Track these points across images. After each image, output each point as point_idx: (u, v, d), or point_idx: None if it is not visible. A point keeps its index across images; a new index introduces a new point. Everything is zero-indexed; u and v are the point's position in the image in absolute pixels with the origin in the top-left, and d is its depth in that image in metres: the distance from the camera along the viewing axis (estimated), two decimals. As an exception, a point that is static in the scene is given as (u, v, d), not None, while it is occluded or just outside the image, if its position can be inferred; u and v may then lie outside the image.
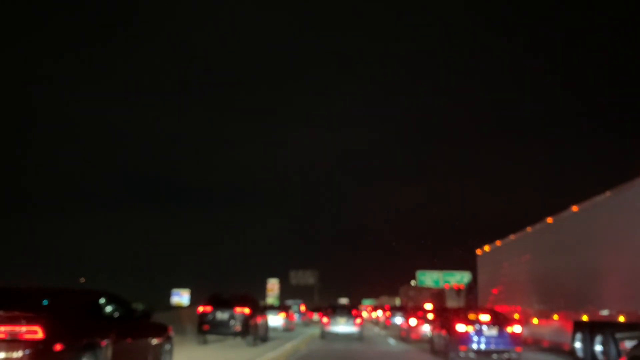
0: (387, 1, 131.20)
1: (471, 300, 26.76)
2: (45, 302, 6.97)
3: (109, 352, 7.11)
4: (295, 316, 33.62)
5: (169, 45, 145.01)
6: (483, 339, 12.98)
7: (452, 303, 39.19)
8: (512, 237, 19.74)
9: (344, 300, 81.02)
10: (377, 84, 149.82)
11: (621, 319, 11.18)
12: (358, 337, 21.63)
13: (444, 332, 14.21)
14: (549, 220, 15.86)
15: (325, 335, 21.97)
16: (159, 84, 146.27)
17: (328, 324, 21.95)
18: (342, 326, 21.72)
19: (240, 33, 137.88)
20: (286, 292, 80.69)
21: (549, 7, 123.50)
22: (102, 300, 7.80)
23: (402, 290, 71.07)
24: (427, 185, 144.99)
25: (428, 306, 41.83)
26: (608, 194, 12.32)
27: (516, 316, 17.06)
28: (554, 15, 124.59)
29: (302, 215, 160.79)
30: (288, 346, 16.79)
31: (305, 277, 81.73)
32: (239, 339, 17.33)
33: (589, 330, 12.57)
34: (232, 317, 16.25)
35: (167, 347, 9.36)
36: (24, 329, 5.95)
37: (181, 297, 75.25)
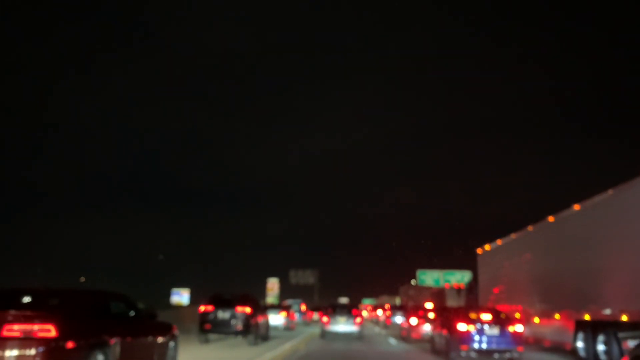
0: (383, 6, 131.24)
1: (472, 299, 26.75)
2: (57, 302, 7.20)
3: (118, 350, 7.33)
4: (296, 315, 33.74)
5: (170, 48, 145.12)
6: (484, 339, 12.87)
7: (452, 302, 39.15)
8: (513, 236, 19.68)
9: (344, 300, 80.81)
10: (377, 85, 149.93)
11: (624, 318, 11.13)
12: (358, 337, 21.67)
13: (444, 332, 14.10)
14: (551, 219, 15.81)
15: (325, 335, 21.99)
16: (160, 85, 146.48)
17: (328, 323, 21.97)
18: (342, 325, 21.74)
19: (240, 35, 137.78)
20: (286, 291, 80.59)
21: (543, 11, 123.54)
22: (110, 300, 8.07)
23: (402, 290, 71.07)
24: (427, 185, 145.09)
25: (429, 305, 41.84)
26: (610, 192, 12.26)
27: (517, 315, 17.03)
28: (549, 18, 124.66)
29: (302, 214, 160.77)
30: (287, 346, 16.69)
31: (305, 277, 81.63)
32: (240, 338, 17.50)
33: (591, 329, 12.51)
34: (233, 316, 16.38)
35: (172, 345, 9.57)
36: (37, 327, 6.13)
37: (181, 297, 75.11)
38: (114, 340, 7.26)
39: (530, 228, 17.72)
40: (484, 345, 12.89)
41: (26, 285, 8.18)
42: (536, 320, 16.20)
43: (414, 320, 21.95)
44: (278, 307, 30.83)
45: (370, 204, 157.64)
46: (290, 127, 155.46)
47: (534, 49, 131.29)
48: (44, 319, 6.25)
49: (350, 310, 22.64)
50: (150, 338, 8.74)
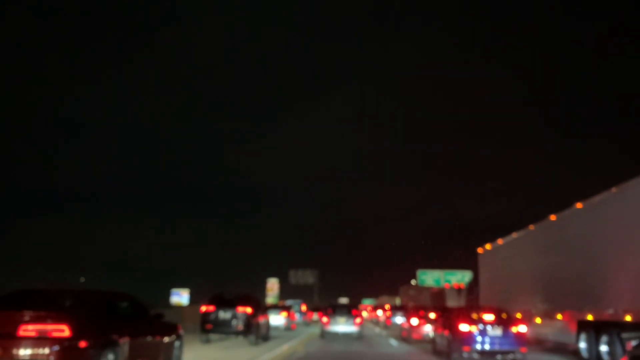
0: (385, 6, 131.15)
1: (472, 299, 26.66)
2: (69, 303, 7.42)
3: (127, 349, 7.55)
4: (297, 316, 34.02)
5: (170, 48, 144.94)
6: (487, 339, 12.61)
7: (452, 303, 39.11)
8: (514, 235, 19.54)
9: (344, 300, 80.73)
10: (377, 85, 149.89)
11: (627, 318, 10.99)
12: (358, 337, 21.69)
13: (446, 332, 13.84)
14: (553, 217, 15.66)
15: (324, 335, 22.01)
16: (160, 85, 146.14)
17: (328, 323, 22.00)
18: (342, 326, 21.78)
19: (240, 35, 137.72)
20: (285, 291, 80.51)
21: (545, 10, 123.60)
22: (119, 301, 8.30)
23: (402, 290, 71.10)
24: (427, 185, 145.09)
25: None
26: (614, 190, 12.09)
27: (518, 315, 16.93)
28: (551, 17, 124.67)
29: (301, 214, 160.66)
30: (285, 348, 16.61)
31: (305, 277, 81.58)
32: (241, 338, 17.56)
33: (594, 330, 12.40)
34: (234, 316, 16.51)
35: (177, 344, 9.82)
36: (52, 327, 6.40)
37: (181, 297, 74.97)
38: (123, 340, 7.48)
39: (531, 227, 17.59)
40: (487, 346, 12.62)
41: (40, 287, 8.44)
42: (538, 320, 16.09)
43: (414, 321, 21.81)
44: (279, 307, 31.07)
45: (370, 203, 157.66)
46: (290, 127, 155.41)
47: (535, 49, 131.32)
48: (58, 319, 6.49)
49: (350, 311, 22.69)
50: (157, 338, 8.96)
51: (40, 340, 6.29)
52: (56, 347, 6.29)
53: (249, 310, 16.67)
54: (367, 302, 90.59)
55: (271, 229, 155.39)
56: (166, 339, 9.28)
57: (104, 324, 7.36)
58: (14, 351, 6.23)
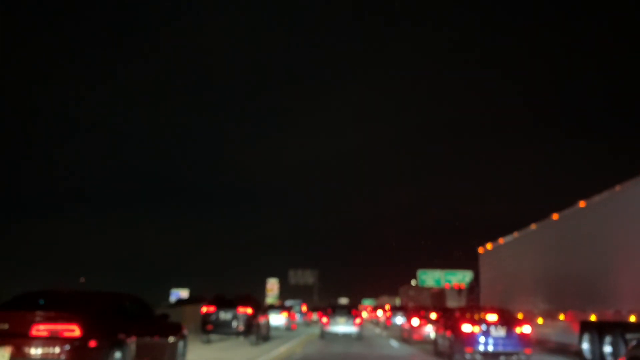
0: (384, 6, 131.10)
1: (473, 299, 26.59)
2: (79, 303, 7.60)
3: (133, 348, 7.75)
4: (297, 316, 34.28)
5: (170, 49, 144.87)
6: (490, 340, 12.32)
7: (452, 303, 39.12)
8: (515, 234, 19.45)
9: (343, 300, 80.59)
10: (377, 85, 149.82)
11: (632, 319, 10.90)
12: (357, 337, 21.64)
13: (448, 333, 13.64)
14: (555, 216, 15.55)
15: (324, 335, 21.99)
16: (159, 85, 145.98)
17: (327, 323, 22.00)
18: (342, 326, 21.77)
19: (240, 35, 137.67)
20: (285, 291, 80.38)
21: (544, 10, 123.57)
22: (126, 302, 8.49)
23: (402, 290, 71.06)
24: (427, 185, 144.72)
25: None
26: (618, 188, 11.97)
27: (520, 316, 16.83)
28: (550, 17, 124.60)
29: (301, 214, 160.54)
30: (285, 348, 16.53)
31: (305, 277, 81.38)
32: (241, 339, 17.61)
33: (598, 330, 12.30)
34: (235, 317, 16.56)
35: (181, 344, 9.98)
36: (63, 327, 6.62)
37: (180, 297, 74.86)
38: (130, 340, 7.69)
39: (533, 226, 17.48)
40: (490, 348, 12.32)
41: (51, 288, 8.64)
42: (539, 320, 15.97)
43: (415, 321, 21.61)
44: (280, 307, 31.31)
45: (370, 203, 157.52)
46: (290, 127, 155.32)
47: (535, 48, 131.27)
48: (69, 320, 6.72)
49: (349, 311, 22.72)
50: (162, 337, 9.17)
51: (52, 339, 6.51)
52: (67, 347, 6.50)
53: (249, 310, 16.71)
54: (367, 303, 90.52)
55: (271, 228, 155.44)
56: (171, 339, 9.46)
57: (113, 324, 7.56)
58: (27, 350, 6.44)
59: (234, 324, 16.48)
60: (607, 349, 11.89)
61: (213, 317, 16.61)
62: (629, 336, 11.14)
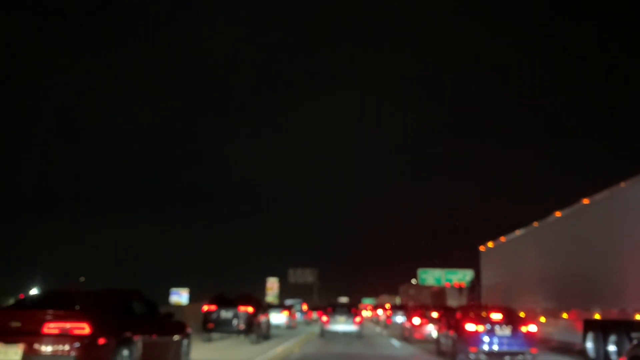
0: (384, 6, 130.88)
1: (474, 298, 26.49)
2: (88, 302, 7.85)
3: (140, 346, 7.94)
4: (297, 315, 34.70)
5: (169, 50, 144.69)
6: (495, 340, 11.91)
7: (453, 302, 39.02)
8: (517, 232, 19.31)
9: (344, 299, 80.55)
10: (378, 85, 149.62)
11: (637, 317, 10.77)
12: (357, 336, 21.70)
13: (451, 332, 13.29)
14: (558, 214, 15.40)
15: (324, 334, 22.04)
16: (159, 86, 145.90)
17: (327, 322, 22.12)
18: (342, 325, 21.87)
19: (241, 35, 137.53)
20: (284, 290, 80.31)
21: (543, 10, 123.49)
22: (133, 301, 8.71)
23: (402, 289, 70.96)
24: (428, 184, 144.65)
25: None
26: (622, 185, 11.83)
27: (522, 315, 16.70)
28: (549, 17, 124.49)
29: (301, 213, 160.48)
30: (285, 347, 16.48)
31: (305, 276, 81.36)
32: (242, 337, 17.76)
33: (602, 329, 12.15)
34: (235, 315, 16.71)
35: (185, 342, 10.21)
36: (74, 325, 6.84)
37: (180, 297, 74.71)
38: (137, 337, 7.87)
39: (536, 224, 17.33)
40: (495, 347, 11.91)
41: (61, 287, 9.13)
42: (542, 319, 15.83)
43: (416, 320, 21.25)
44: (281, 306, 31.67)
45: (370, 202, 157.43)
46: (290, 127, 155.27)
47: (535, 48, 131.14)
48: (79, 318, 6.94)
49: (349, 310, 22.94)
50: (167, 336, 9.39)
51: (63, 337, 6.72)
52: (77, 344, 6.69)
53: (250, 309, 16.87)
54: (367, 302, 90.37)
55: (270, 227, 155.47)
56: (176, 337, 9.68)
57: (120, 322, 7.75)
58: (39, 347, 6.65)
59: (235, 322, 16.63)
60: (612, 348, 11.75)
61: (214, 316, 16.75)
62: (634, 335, 11.03)
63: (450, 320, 13.96)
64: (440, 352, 14.68)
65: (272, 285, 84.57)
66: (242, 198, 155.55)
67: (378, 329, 32.81)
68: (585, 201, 13.58)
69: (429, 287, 57.45)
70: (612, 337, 11.78)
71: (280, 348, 16.11)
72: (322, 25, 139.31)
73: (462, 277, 53.04)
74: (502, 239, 21.03)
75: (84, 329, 6.84)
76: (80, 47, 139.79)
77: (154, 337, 8.65)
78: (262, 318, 18.11)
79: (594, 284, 12.97)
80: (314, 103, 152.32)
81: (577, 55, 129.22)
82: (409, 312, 26.18)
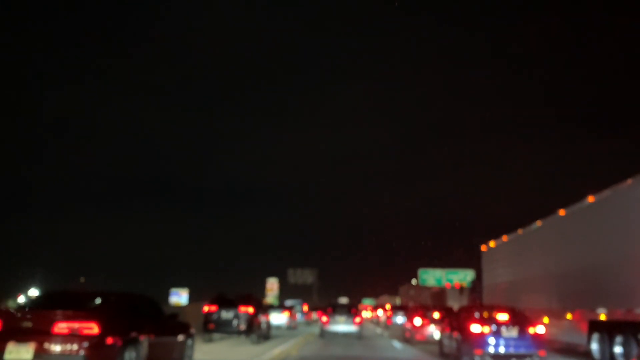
0: (382, 8, 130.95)
1: (475, 298, 26.31)
2: (96, 303, 8.10)
3: (146, 346, 8.16)
4: (298, 315, 34.94)
5: (168, 46, 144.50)
6: (501, 341, 11.47)
7: (453, 302, 38.88)
8: (519, 231, 19.09)
9: (343, 300, 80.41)
10: (378, 85, 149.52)
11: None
12: (357, 336, 21.67)
13: (455, 334, 12.92)
14: (561, 212, 15.19)
15: (324, 334, 22.06)
16: (160, 86, 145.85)
17: (327, 322, 22.17)
18: (342, 325, 21.90)
19: (241, 37, 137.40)
20: (284, 291, 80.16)
21: (542, 11, 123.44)
22: (139, 302, 9.01)
23: (403, 290, 70.85)
24: (428, 184, 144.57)
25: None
26: (629, 182, 11.61)
27: (520, 315, 16.46)
28: (548, 18, 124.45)
29: (301, 213, 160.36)
30: (282, 348, 16.35)
31: (304, 276, 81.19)
32: (242, 337, 17.81)
33: (608, 330, 11.95)
34: (236, 316, 16.81)
35: (189, 343, 10.41)
36: (83, 325, 7.07)
37: (180, 297, 74.55)
38: (143, 337, 8.09)
39: (539, 223, 17.11)
40: (501, 349, 11.45)
41: (70, 288, 9.08)
42: (545, 320, 15.63)
43: (418, 321, 20.96)
44: (281, 307, 32.07)
45: (370, 202, 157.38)
46: (290, 128, 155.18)
47: (535, 47, 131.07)
48: (88, 318, 7.19)
49: (349, 310, 22.98)
50: (172, 336, 9.63)
51: (72, 337, 6.94)
52: (86, 344, 6.92)
53: (250, 310, 16.99)
54: (367, 302, 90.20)
55: (270, 227, 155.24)
56: (180, 338, 9.89)
57: (127, 322, 7.96)
58: (49, 347, 6.88)
59: (235, 323, 16.73)
60: (618, 349, 11.52)
61: (215, 316, 16.86)
62: (641, 335, 10.83)
63: (454, 321, 13.60)
64: (443, 355, 14.30)
65: (272, 285, 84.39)
66: (242, 198, 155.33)
67: (378, 330, 32.54)
68: (591, 199, 13.36)
69: (429, 288, 57.35)
70: (619, 339, 11.55)
71: (280, 348, 16.05)
72: (323, 25, 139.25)
73: (463, 277, 52.87)
74: (504, 238, 20.82)
75: (93, 329, 7.06)
76: (83, 47, 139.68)
77: (160, 337, 8.86)
78: (262, 318, 18.23)
79: (599, 283, 12.76)
80: (315, 103, 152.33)
81: (576, 54, 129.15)
82: (409, 312, 25.89)
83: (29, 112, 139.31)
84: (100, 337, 7.09)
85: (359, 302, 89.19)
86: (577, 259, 14.15)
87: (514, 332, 11.66)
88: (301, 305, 40.30)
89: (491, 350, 11.54)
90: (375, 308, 58.28)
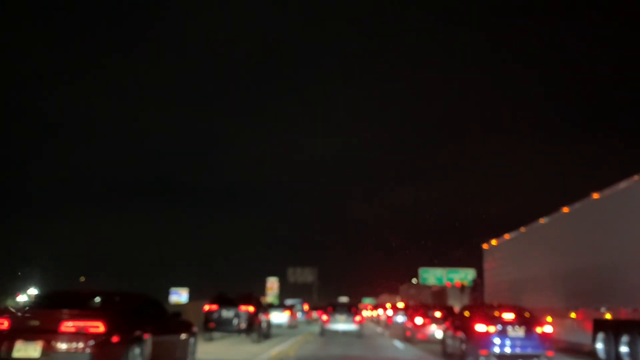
0: (381, 7, 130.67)
1: (477, 298, 26.22)
2: (102, 303, 8.42)
3: (150, 345, 8.30)
4: (299, 314, 35.87)
5: (167, 46, 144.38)
6: (507, 341, 11.11)
7: (454, 301, 38.77)
8: (522, 229, 18.94)
9: (344, 299, 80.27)
10: (378, 84, 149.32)
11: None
12: (357, 335, 21.93)
13: (459, 333, 12.62)
14: (565, 209, 15.05)
15: (324, 333, 22.40)
16: (160, 86, 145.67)
17: (327, 321, 22.54)
18: (342, 324, 22.25)
19: (239, 36, 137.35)
20: (284, 290, 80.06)
21: (541, 10, 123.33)
22: (143, 302, 9.20)
23: (403, 289, 70.63)
24: (429, 183, 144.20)
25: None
26: (635, 178, 11.45)
27: (527, 315, 16.33)
28: (547, 18, 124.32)
29: (301, 212, 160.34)
30: (283, 347, 16.32)
31: (304, 275, 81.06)
32: (243, 336, 17.92)
33: (613, 329, 11.78)
34: (237, 315, 16.93)
35: (192, 341, 10.62)
36: (89, 324, 7.23)
37: (180, 296, 74.43)
38: (147, 336, 8.24)
39: (542, 220, 16.95)
40: (507, 350, 11.09)
41: (76, 288, 9.25)
42: (548, 319, 15.47)
43: (419, 320, 20.74)
44: (283, 306, 32.71)
45: (370, 202, 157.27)
46: (291, 126, 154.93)
47: (536, 47, 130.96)
48: (94, 317, 7.38)
49: (350, 309, 23.42)
50: (175, 335, 9.80)
51: (79, 335, 7.11)
52: (92, 342, 7.09)
53: (251, 309, 17.13)
54: (367, 301, 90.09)
55: (270, 227, 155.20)
56: (183, 336, 10.08)
57: (132, 321, 8.13)
58: (57, 345, 7.05)
59: (236, 322, 16.85)
60: (624, 349, 11.32)
61: (215, 315, 16.96)
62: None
63: (458, 320, 13.33)
64: (446, 355, 14.03)
65: (272, 285, 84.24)
66: (242, 198, 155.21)
67: (379, 329, 32.43)
68: (595, 195, 13.20)
69: (430, 287, 57.24)
70: (625, 338, 11.36)
71: (280, 347, 16.07)
72: (323, 25, 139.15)
73: (463, 276, 52.86)
74: (507, 236, 20.67)
75: (99, 327, 7.23)
76: (84, 47, 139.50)
77: (163, 336, 9.04)
78: (262, 317, 18.37)
79: (604, 281, 12.59)
80: (314, 102, 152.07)
81: (576, 53, 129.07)
82: (410, 311, 25.68)
83: (28, 112, 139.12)
84: (106, 335, 7.26)
85: (359, 301, 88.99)
86: (582, 257, 13.99)
87: (520, 332, 11.34)
88: (302, 304, 41.11)
89: (497, 350, 11.20)
90: (375, 307, 58.23)
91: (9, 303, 42.20)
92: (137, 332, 8.00)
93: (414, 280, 63.83)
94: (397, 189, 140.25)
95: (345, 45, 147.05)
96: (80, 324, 7.22)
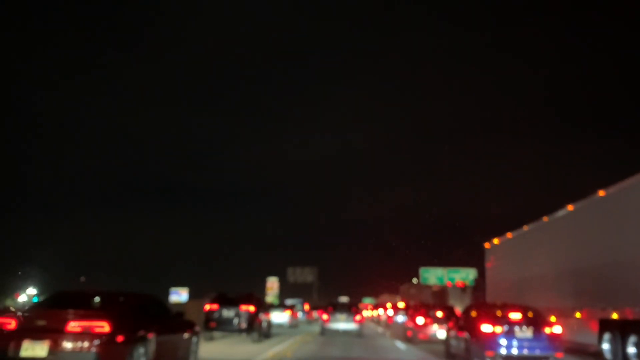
0: (382, 7, 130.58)
1: (478, 297, 26.10)
2: (107, 303, 8.49)
3: (154, 344, 8.45)
4: (299, 314, 36.26)
5: (166, 47, 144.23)
6: (515, 342, 10.74)
7: (454, 301, 38.62)
8: (525, 228, 18.76)
9: (344, 299, 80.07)
10: (378, 84, 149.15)
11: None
12: (358, 334, 22.13)
13: (462, 334, 12.26)
14: (570, 207, 14.85)
15: (324, 332, 22.66)
16: (159, 86, 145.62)
17: (328, 320, 22.81)
18: (342, 323, 22.51)
19: (239, 37, 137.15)
20: (284, 290, 79.98)
21: (542, 11, 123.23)
22: (147, 302, 9.35)
23: (403, 289, 70.40)
24: (429, 183, 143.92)
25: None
26: None
27: (534, 314, 16.14)
28: (547, 18, 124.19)
29: (301, 212, 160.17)
30: (283, 346, 16.20)
31: (304, 275, 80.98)
32: (243, 336, 18.01)
33: (620, 329, 11.58)
34: (237, 314, 17.02)
35: (194, 340, 10.75)
36: (95, 324, 7.39)
37: (180, 296, 74.27)
38: (151, 336, 8.38)
39: (545, 219, 16.76)
40: (514, 351, 10.71)
41: (81, 289, 9.26)
42: (552, 319, 15.27)
43: (420, 320, 20.36)
44: (283, 306, 33.22)
45: (371, 201, 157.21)
46: (291, 126, 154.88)
47: (535, 48, 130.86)
48: (100, 317, 7.53)
49: (350, 309, 23.74)
50: (178, 334, 9.95)
51: (85, 335, 7.27)
52: (97, 341, 7.25)
53: (251, 308, 17.22)
54: (368, 301, 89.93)
55: (270, 226, 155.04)
56: (185, 335, 10.24)
57: (137, 321, 8.28)
58: (63, 344, 7.21)
59: (237, 321, 16.94)
60: (631, 349, 11.14)
61: (216, 315, 17.06)
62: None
63: (462, 320, 13.01)
64: (450, 356, 13.70)
65: (272, 284, 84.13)
66: (242, 197, 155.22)
67: (380, 329, 32.30)
68: (601, 193, 13.01)
69: (430, 287, 57.04)
70: (632, 338, 11.17)
71: (280, 347, 16.08)
72: (323, 24, 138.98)
73: (465, 276, 52.72)
74: (509, 234, 20.47)
75: (104, 327, 7.38)
76: (82, 47, 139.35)
77: (167, 335, 9.21)
78: (263, 317, 18.48)
79: (610, 281, 12.40)
80: (316, 102, 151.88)
81: (576, 53, 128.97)
82: (411, 311, 25.38)
83: (28, 111, 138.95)
84: (111, 335, 7.41)
85: (360, 301, 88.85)
86: (587, 255, 13.80)
87: (528, 333, 10.96)
88: (302, 304, 41.67)
89: (503, 351, 10.82)
90: (375, 307, 58.10)
91: (9, 303, 42.05)
92: (142, 332, 8.14)
93: (414, 280, 63.61)
94: (397, 188, 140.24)
95: (345, 45, 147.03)
96: (86, 323, 7.38)
